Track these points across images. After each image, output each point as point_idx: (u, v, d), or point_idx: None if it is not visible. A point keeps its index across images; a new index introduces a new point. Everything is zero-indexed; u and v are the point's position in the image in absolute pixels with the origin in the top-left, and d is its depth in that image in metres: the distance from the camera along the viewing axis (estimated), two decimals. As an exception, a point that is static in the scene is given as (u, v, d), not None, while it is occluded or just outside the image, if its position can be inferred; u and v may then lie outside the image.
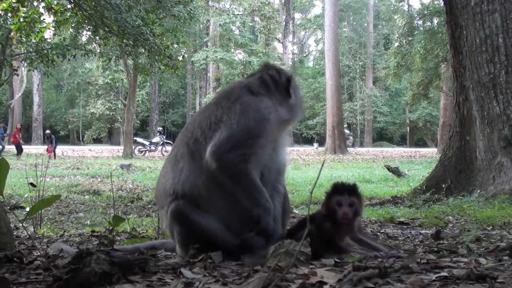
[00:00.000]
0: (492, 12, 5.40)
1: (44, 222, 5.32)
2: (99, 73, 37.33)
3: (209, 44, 38.31)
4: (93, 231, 4.03)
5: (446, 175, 5.99)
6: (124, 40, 11.79)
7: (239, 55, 38.54)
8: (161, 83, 37.13)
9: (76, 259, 1.80)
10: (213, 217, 2.34)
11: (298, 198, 7.42)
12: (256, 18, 40.11)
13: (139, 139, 26.23)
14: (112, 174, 7.94)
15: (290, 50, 50.42)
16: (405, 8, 34.39)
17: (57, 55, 14.45)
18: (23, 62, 18.31)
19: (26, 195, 7.07)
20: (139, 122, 44.60)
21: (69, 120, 44.99)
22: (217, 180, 2.32)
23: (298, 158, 20.32)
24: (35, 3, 12.08)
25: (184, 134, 2.52)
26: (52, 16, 12.01)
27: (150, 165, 16.26)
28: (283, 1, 44.77)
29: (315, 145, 34.51)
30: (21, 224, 3.36)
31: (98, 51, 17.11)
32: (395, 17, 34.47)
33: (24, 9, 11.53)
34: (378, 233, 3.62)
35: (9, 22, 13.77)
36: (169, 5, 14.98)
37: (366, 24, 48.39)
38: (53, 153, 20.29)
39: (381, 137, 48.21)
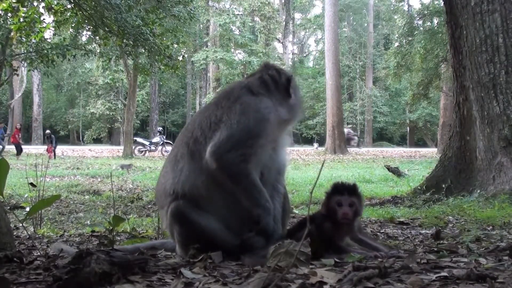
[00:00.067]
0: (492, 12, 5.40)
1: (44, 222, 5.31)
2: (99, 73, 37.33)
3: (209, 44, 38.32)
4: (93, 231, 4.03)
5: (446, 175, 5.99)
6: (124, 40, 11.79)
7: (239, 55, 38.55)
8: (161, 83, 37.13)
9: (76, 259, 1.80)
10: (213, 217, 2.34)
11: (298, 198, 7.42)
12: (256, 18, 40.11)
13: (139, 139, 26.22)
14: (112, 174, 7.93)
15: (290, 50, 50.45)
16: (405, 8, 34.41)
17: (57, 55, 14.45)
18: (23, 62, 18.30)
19: (26, 195, 7.07)
20: (139, 122, 44.60)
21: (69, 120, 44.99)
22: (217, 180, 2.33)
23: (298, 158, 20.32)
24: (35, 3, 12.08)
25: (184, 134, 2.52)
26: (52, 16, 12.01)
27: (150, 165, 16.26)
28: (283, 1, 44.77)
29: (315, 145, 34.50)
30: (21, 224, 3.36)
31: (98, 51, 17.11)
32: (395, 17, 34.48)
33: (24, 9, 11.53)
34: (378, 233, 3.62)
35: (9, 22, 13.77)
36: (169, 5, 14.98)
37: (366, 24, 48.38)
38: (53, 153, 20.29)
39: (381, 137, 48.21)
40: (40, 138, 37.03)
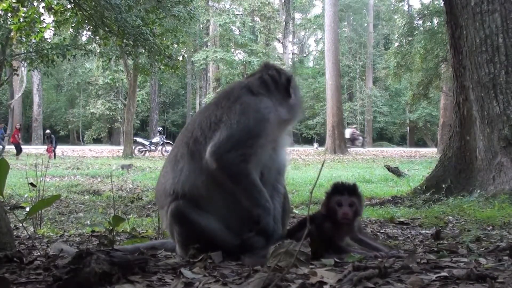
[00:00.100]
0: (492, 12, 5.40)
1: (44, 222, 5.31)
2: (99, 73, 37.32)
3: (209, 44, 38.31)
4: (93, 231, 4.03)
5: (446, 175, 5.99)
6: (124, 40, 11.79)
7: (239, 55, 38.54)
8: (161, 83, 37.12)
9: (76, 259, 1.80)
10: (213, 217, 2.34)
11: (298, 198, 7.42)
12: (256, 18, 40.10)
13: (139, 139, 26.22)
14: (112, 174, 7.94)
15: (290, 50, 50.43)
16: (405, 8, 34.40)
17: (57, 55, 14.44)
18: (23, 62, 18.30)
19: (26, 195, 7.06)
20: (139, 122, 44.60)
21: (69, 120, 44.99)
22: (217, 180, 2.33)
23: (298, 158, 20.32)
24: (35, 3, 12.08)
25: (184, 134, 2.52)
26: (52, 16, 12.01)
27: (150, 165, 16.26)
28: (283, 1, 44.77)
29: (315, 145, 34.49)
30: (21, 224, 3.36)
31: (98, 51, 17.11)
32: (395, 17, 34.46)
33: (24, 9, 11.53)
34: (378, 233, 3.62)
35: (9, 22, 13.77)
36: (169, 5, 14.98)
37: (366, 24, 48.37)
38: (53, 153, 20.29)
39: (381, 137, 48.20)
40: (40, 138, 37.03)
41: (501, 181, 5.26)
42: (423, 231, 3.69)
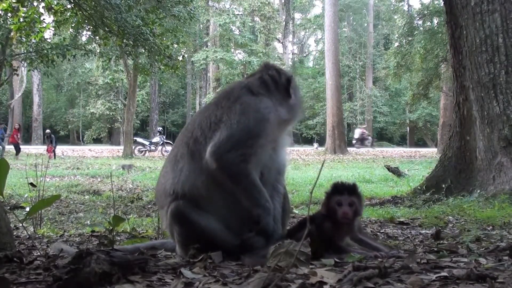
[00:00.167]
0: (492, 12, 5.40)
1: (44, 222, 5.31)
2: (99, 73, 37.32)
3: (209, 44, 38.31)
4: (93, 231, 4.03)
5: (446, 175, 5.99)
6: (124, 40, 11.78)
7: (239, 55, 38.54)
8: (161, 83, 37.12)
9: (76, 259, 1.81)
10: (213, 217, 2.34)
11: (298, 198, 7.42)
12: (256, 18, 40.10)
13: (139, 139, 26.22)
14: (112, 174, 7.94)
15: (290, 50, 50.43)
16: (405, 8, 34.41)
17: (57, 55, 14.44)
18: (23, 62, 18.30)
19: (26, 195, 7.06)
20: (139, 122, 44.60)
21: (69, 120, 44.99)
22: (217, 180, 2.33)
23: (298, 158, 20.32)
24: (35, 3, 12.08)
25: (184, 134, 2.52)
26: (52, 16, 12.01)
27: (150, 165, 16.26)
28: (283, 1, 44.77)
29: (315, 145, 34.50)
30: (21, 224, 3.36)
31: (98, 51, 17.10)
32: (395, 17, 34.46)
33: (24, 9, 11.53)
34: (378, 233, 3.62)
35: (9, 22, 13.76)
36: (169, 5, 14.98)
37: (366, 24, 48.37)
38: (53, 153, 20.29)
39: (381, 137, 48.18)
40: (40, 138, 37.03)
41: (501, 181, 5.26)
42: (423, 231, 3.69)
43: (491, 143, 5.39)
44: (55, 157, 19.86)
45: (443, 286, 1.70)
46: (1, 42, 15.85)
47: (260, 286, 1.63)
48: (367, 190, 7.95)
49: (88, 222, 6.14)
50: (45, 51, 14.62)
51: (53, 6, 11.48)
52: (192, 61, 37.66)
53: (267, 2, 38.07)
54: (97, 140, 44.26)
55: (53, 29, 14.00)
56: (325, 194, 2.42)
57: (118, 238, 3.53)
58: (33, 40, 13.91)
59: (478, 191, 5.45)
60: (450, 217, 4.44)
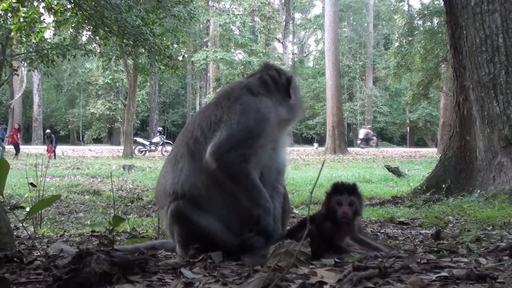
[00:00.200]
0: (492, 12, 5.40)
1: (44, 222, 5.31)
2: (99, 73, 37.32)
3: (209, 44, 38.31)
4: (93, 231, 4.03)
5: (446, 175, 5.99)
6: (124, 40, 11.79)
7: (239, 55, 38.54)
8: (161, 83, 37.12)
9: (76, 259, 1.81)
10: (213, 217, 2.34)
11: (298, 198, 7.42)
12: (256, 18, 40.10)
13: (139, 139, 26.22)
14: (112, 174, 7.94)
15: (290, 50, 50.43)
16: (405, 8, 34.40)
17: (57, 55, 14.44)
18: (23, 62, 18.30)
19: (26, 195, 7.07)
20: (139, 122, 44.59)
21: (69, 120, 44.99)
22: (217, 180, 2.33)
23: (298, 158, 20.32)
24: (35, 3, 12.08)
25: (184, 134, 2.52)
26: (52, 16, 12.00)
27: (150, 165, 16.26)
28: (283, 1, 44.76)
29: (315, 145, 34.50)
30: (21, 224, 3.36)
31: (98, 51, 17.10)
32: (395, 17, 34.47)
33: (24, 9, 11.53)
34: (378, 233, 3.62)
35: (9, 22, 13.77)
36: (169, 5, 14.98)
37: (366, 24, 48.36)
38: (53, 153, 20.29)
39: (381, 137, 48.11)
40: (40, 138, 37.03)
41: (501, 181, 5.26)
42: (423, 231, 3.69)
43: (491, 143, 5.39)
44: (55, 157, 19.86)
45: (443, 286, 1.70)
46: (1, 42, 15.85)
47: (260, 286, 1.63)
48: (367, 190, 7.95)
49: (88, 222, 6.14)
50: (45, 51, 14.62)
51: (53, 6, 11.48)
52: (192, 61, 37.66)
53: (267, 2, 38.06)
54: (97, 140, 44.26)
55: (53, 29, 13.99)
56: (325, 194, 2.42)
57: (118, 238, 3.53)
58: (33, 40, 13.90)
59: (478, 191, 5.45)
60: (450, 217, 4.44)
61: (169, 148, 22.76)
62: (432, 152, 25.79)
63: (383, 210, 5.49)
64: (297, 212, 5.73)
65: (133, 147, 23.87)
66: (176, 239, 2.44)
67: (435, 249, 2.57)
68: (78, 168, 14.84)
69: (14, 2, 11.11)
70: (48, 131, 24.04)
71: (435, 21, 20.25)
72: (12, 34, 14.06)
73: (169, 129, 45.42)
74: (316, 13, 49.27)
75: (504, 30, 5.34)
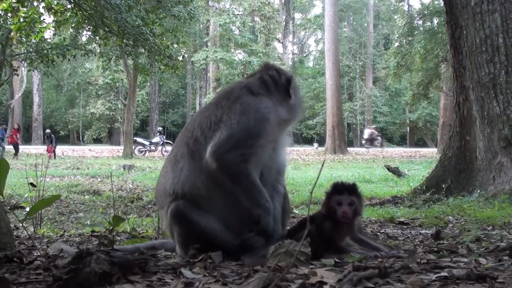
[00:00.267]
0: (492, 12, 5.40)
1: (44, 222, 5.31)
2: (99, 73, 37.33)
3: (209, 44, 38.31)
4: (93, 231, 4.03)
5: (446, 175, 5.99)
6: (124, 40, 11.79)
7: (239, 55, 38.54)
8: (161, 83, 37.13)
9: (76, 259, 1.80)
10: (213, 217, 2.34)
11: (298, 198, 7.42)
12: (256, 18, 40.10)
13: (139, 139, 26.22)
14: (112, 174, 7.94)
15: (290, 50, 50.43)
16: (405, 8, 34.40)
17: (57, 55, 14.45)
18: (23, 62, 18.30)
19: (26, 195, 7.07)
20: (139, 122, 44.60)
21: (69, 120, 44.99)
22: (217, 180, 2.33)
23: (298, 158, 20.32)
24: (35, 3, 12.08)
25: (184, 134, 2.52)
26: (52, 16, 12.01)
27: (150, 165, 16.26)
28: (283, 1, 44.77)
29: (315, 145, 34.51)
30: (21, 224, 3.36)
31: (98, 51, 17.11)
32: (395, 17, 34.47)
33: (24, 9, 11.53)
34: (378, 233, 3.62)
35: (9, 22, 13.77)
36: (169, 5, 14.98)
37: (366, 24, 48.37)
38: (53, 153, 20.29)
39: (381, 137, 48.16)
40: (40, 138, 37.03)
41: (501, 181, 5.26)
42: (423, 231, 3.69)
43: (491, 143, 5.39)
44: (55, 157, 19.86)
45: (443, 286, 1.70)
46: (1, 42, 15.85)
47: (260, 286, 1.63)
48: (367, 190, 7.96)
49: (88, 222, 6.14)
50: (45, 51, 14.63)
51: (53, 6, 11.48)
52: (192, 61, 37.67)
53: (267, 2, 38.06)
54: (97, 140, 44.26)
55: (53, 29, 13.99)
56: (325, 194, 2.42)
57: (118, 238, 3.53)
58: (33, 40, 13.91)
59: (478, 191, 5.45)
60: (450, 217, 4.44)
61: (169, 148, 22.76)
62: (432, 152, 25.79)
63: (383, 210, 5.49)
64: (297, 212, 5.73)
65: (133, 147, 23.87)
66: (176, 239, 2.44)
67: (435, 249, 2.57)
68: (78, 168, 14.83)
69: (14, 2, 11.11)
70: (48, 131, 24.04)
71: (435, 21, 20.25)
72: (12, 34, 14.06)
73: (169, 129, 45.42)
74: (316, 13, 49.29)
75: (504, 30, 5.34)
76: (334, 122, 25.14)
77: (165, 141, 25.76)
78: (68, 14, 11.95)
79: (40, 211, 4.40)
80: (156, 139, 26.45)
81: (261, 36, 39.48)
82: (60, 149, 24.95)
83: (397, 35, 26.63)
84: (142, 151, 25.03)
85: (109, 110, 41.44)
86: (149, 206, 7.46)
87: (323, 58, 34.63)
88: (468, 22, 5.60)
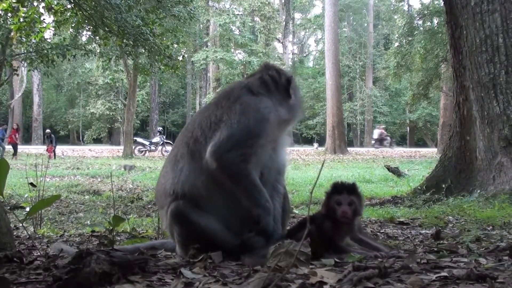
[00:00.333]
0: (492, 12, 5.40)
1: (44, 222, 5.31)
2: (99, 73, 37.34)
3: (209, 44, 38.32)
4: (93, 231, 4.03)
5: (446, 175, 5.99)
6: (124, 40, 11.79)
7: (239, 55, 38.54)
8: (161, 83, 37.14)
9: (76, 259, 1.80)
10: (213, 217, 2.34)
11: (298, 198, 7.42)
12: (256, 18, 40.11)
13: (139, 139, 26.22)
14: (112, 174, 7.94)
15: (290, 50, 50.45)
16: (405, 8, 34.41)
17: (57, 55, 14.45)
18: (23, 62, 18.31)
19: (26, 195, 7.07)
20: (139, 122, 44.60)
21: (69, 120, 45.01)
22: (217, 180, 2.33)
23: (298, 158, 20.32)
24: (35, 3, 12.08)
25: (184, 134, 2.52)
26: (52, 16, 12.01)
27: (150, 165, 16.26)
28: (283, 1, 44.77)
29: (315, 145, 34.51)
30: (21, 224, 3.36)
31: (98, 51, 17.11)
32: (395, 17, 34.48)
33: (24, 9, 11.53)
34: (378, 233, 3.62)
35: (9, 22, 13.78)
36: (169, 5, 14.98)
37: (366, 24, 48.38)
38: (53, 153, 20.28)
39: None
40: (40, 138, 37.04)
41: (501, 181, 5.26)
42: (423, 231, 3.69)
43: (491, 143, 5.39)
44: (55, 157, 19.86)
45: (443, 286, 1.70)
46: (1, 42, 15.86)
47: (260, 286, 1.63)
48: (367, 190, 7.95)
49: (88, 222, 6.14)
50: (45, 51, 14.63)
51: (53, 6, 11.48)
52: (192, 61, 37.67)
53: (267, 2, 38.07)
54: (97, 140, 44.27)
55: (53, 29, 14.00)
56: (325, 194, 2.42)
57: (118, 238, 3.53)
58: (33, 40, 13.91)
59: (478, 191, 5.45)
60: (450, 217, 4.44)
61: (169, 148, 22.76)
62: (432, 152, 25.79)
63: (383, 210, 5.49)
64: (297, 212, 5.73)
65: (133, 147, 23.87)
66: (176, 239, 2.44)
67: (435, 249, 2.57)
68: (78, 168, 14.83)
69: (14, 2, 11.11)
70: (48, 131, 24.04)
71: (435, 21, 20.24)
72: (12, 34, 14.06)
73: (169, 129, 45.43)
74: (316, 13, 49.30)
75: (504, 30, 5.34)
76: (334, 122, 25.14)
77: (165, 141, 25.76)
78: (68, 14, 11.95)
79: (40, 211, 4.40)
80: (156, 139, 26.45)
81: (261, 36, 39.49)
82: (60, 149, 24.95)
83: (397, 35, 26.64)
84: (142, 151, 25.04)
85: (109, 110, 41.45)
86: (149, 206, 7.46)
87: (323, 58, 34.63)
88: (468, 22, 5.60)
